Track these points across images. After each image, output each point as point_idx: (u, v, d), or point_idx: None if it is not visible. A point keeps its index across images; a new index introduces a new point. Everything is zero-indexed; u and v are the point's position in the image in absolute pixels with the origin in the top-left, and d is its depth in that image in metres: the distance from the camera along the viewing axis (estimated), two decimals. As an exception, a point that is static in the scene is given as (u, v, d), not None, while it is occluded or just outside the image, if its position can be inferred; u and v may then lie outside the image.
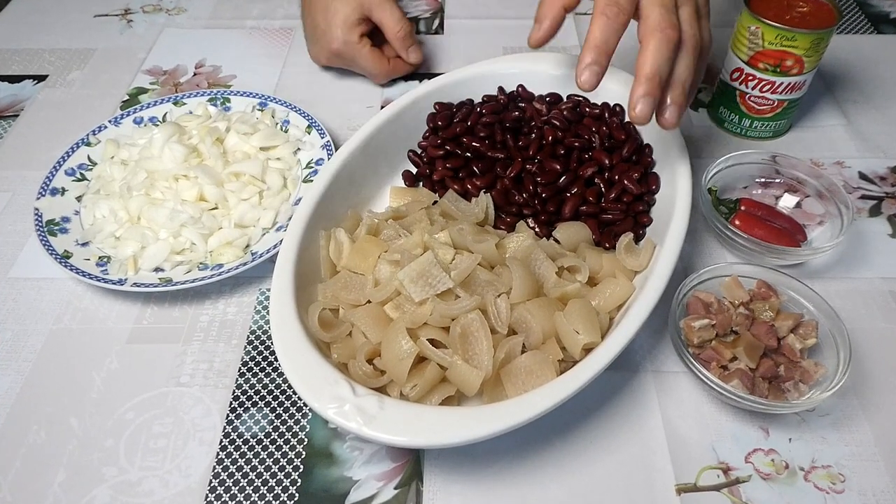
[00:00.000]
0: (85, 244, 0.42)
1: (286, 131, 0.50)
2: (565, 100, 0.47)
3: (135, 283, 0.39)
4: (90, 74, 0.59)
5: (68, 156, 0.47)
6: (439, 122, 0.45)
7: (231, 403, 0.37)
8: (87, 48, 0.62)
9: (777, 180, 0.46)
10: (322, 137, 0.48)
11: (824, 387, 0.34)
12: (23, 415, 0.36)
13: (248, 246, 0.43)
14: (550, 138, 0.44)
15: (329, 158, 0.44)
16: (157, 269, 0.41)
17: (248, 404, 0.37)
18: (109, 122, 0.49)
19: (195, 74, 0.59)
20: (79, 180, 0.46)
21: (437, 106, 0.46)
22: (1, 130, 0.54)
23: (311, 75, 0.58)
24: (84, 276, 0.39)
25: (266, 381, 0.38)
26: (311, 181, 0.44)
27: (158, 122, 0.50)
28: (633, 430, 0.35)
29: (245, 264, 0.40)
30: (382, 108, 0.47)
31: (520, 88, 0.48)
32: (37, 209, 0.43)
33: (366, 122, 0.44)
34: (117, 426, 0.36)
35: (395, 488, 0.33)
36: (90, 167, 0.47)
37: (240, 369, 0.38)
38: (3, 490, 0.33)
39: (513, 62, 0.49)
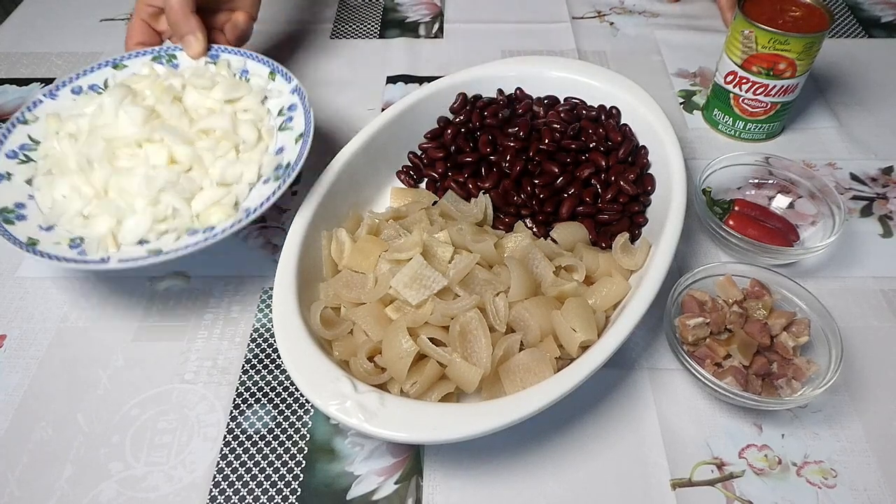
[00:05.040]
0: (49, 228, 0.38)
1: (248, 81, 0.46)
2: (563, 102, 0.48)
3: (120, 260, 0.36)
4: (95, 78, 0.60)
5: (5, 137, 0.42)
6: (445, 124, 0.46)
7: (234, 400, 0.37)
8: (93, 52, 0.62)
9: (770, 181, 0.47)
10: (289, 82, 0.45)
11: (816, 384, 0.35)
12: (30, 411, 0.37)
13: (236, 204, 0.40)
14: (548, 140, 0.44)
15: (302, 102, 0.43)
16: (142, 242, 0.38)
17: (251, 401, 0.37)
18: (44, 95, 0.44)
19: (198, 78, 0.60)
20: (24, 162, 0.41)
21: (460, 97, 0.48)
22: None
23: (312, 76, 0.59)
24: (60, 260, 0.36)
25: (269, 377, 0.38)
26: (288, 128, 0.42)
27: (101, 90, 0.45)
28: (629, 426, 0.36)
29: (240, 221, 0.37)
30: (383, 110, 0.47)
31: (518, 91, 0.49)
32: None
33: (367, 124, 0.45)
34: (123, 422, 0.36)
35: (396, 483, 0.34)
36: (34, 147, 0.42)
37: (243, 366, 0.39)
38: (11, 485, 0.34)
39: (511, 65, 0.50)
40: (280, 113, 0.44)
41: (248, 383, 0.38)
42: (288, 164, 0.40)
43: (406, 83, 0.58)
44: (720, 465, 0.34)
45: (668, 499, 0.33)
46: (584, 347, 0.34)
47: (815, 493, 0.33)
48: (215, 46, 0.47)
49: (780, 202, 0.46)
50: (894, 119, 0.54)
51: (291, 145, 0.41)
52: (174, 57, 0.47)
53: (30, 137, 0.43)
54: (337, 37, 0.64)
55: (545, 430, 0.35)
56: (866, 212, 0.47)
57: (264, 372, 0.39)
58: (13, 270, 0.44)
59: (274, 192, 0.38)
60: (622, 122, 0.46)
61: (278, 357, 0.39)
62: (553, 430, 0.36)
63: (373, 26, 0.65)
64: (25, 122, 0.43)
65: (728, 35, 0.49)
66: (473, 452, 0.35)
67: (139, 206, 0.38)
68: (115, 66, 0.46)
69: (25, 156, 0.42)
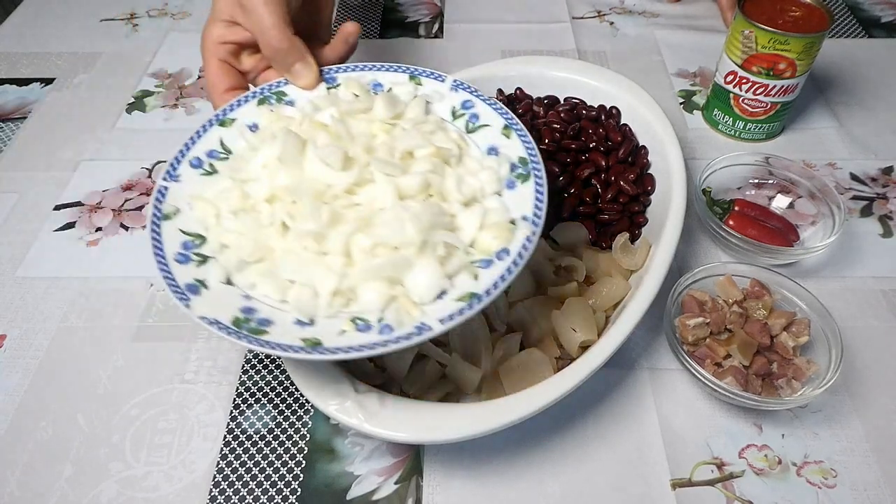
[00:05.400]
0: (312, 322, 0.29)
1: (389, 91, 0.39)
2: (563, 102, 0.48)
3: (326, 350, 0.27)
4: (97, 77, 0.60)
5: (159, 247, 0.31)
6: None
7: (235, 400, 0.37)
8: (93, 52, 0.63)
9: (770, 181, 0.47)
10: (442, 81, 0.38)
11: (816, 384, 0.35)
12: (30, 411, 0.37)
13: (512, 221, 0.31)
14: (548, 140, 0.44)
15: (476, 96, 0.37)
16: (442, 294, 0.29)
17: (251, 401, 0.37)
18: (165, 180, 0.34)
19: (200, 77, 0.60)
20: (201, 262, 0.31)
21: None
22: (9, 132, 0.54)
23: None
24: (387, 343, 0.27)
25: (269, 378, 0.38)
26: (479, 127, 0.36)
27: (222, 154, 0.36)
28: (629, 426, 0.36)
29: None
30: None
31: (518, 91, 0.49)
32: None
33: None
34: (123, 422, 0.36)
35: (396, 483, 0.34)
36: (197, 242, 0.32)
37: (243, 366, 0.39)
38: (11, 485, 0.34)
39: (511, 65, 0.50)
40: (454, 115, 0.38)
41: (248, 383, 0.38)
42: (523, 159, 0.34)
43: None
44: (720, 465, 0.34)
45: (668, 499, 0.33)
46: (584, 347, 0.34)
47: (815, 493, 0.33)
48: (324, 69, 0.39)
49: (780, 202, 0.46)
50: (894, 119, 0.54)
51: (503, 141, 0.35)
52: (283, 94, 0.39)
53: (183, 232, 0.32)
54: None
55: (545, 430, 0.35)
56: (866, 212, 0.47)
57: (264, 372, 0.39)
58: (13, 270, 0.44)
59: (538, 206, 0.31)
60: (622, 122, 0.46)
61: (279, 357, 0.39)
62: (553, 430, 0.36)
63: (373, 26, 0.65)
64: (167, 218, 0.32)
65: (728, 35, 0.49)
66: (473, 452, 0.35)
67: (411, 256, 0.29)
68: (222, 124, 0.37)
69: (197, 254, 0.32)
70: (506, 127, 0.35)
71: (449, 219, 0.31)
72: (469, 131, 0.37)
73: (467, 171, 0.34)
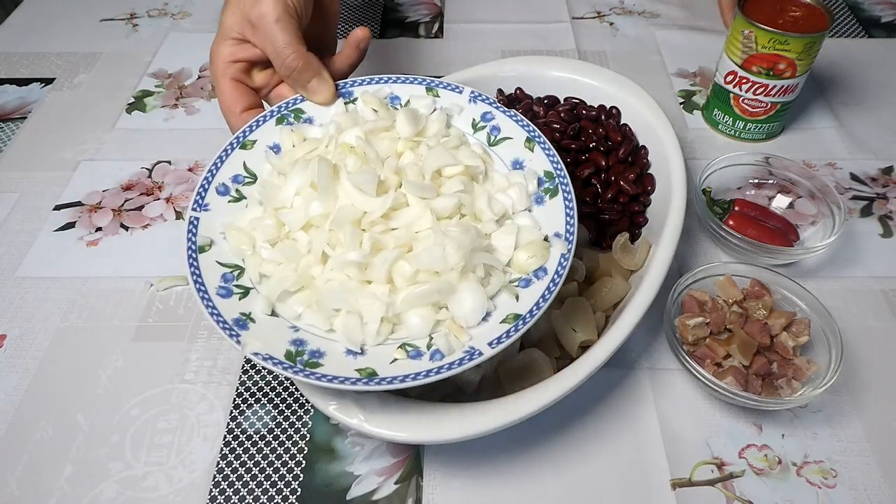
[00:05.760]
0: (363, 352, 0.29)
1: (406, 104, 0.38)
2: (563, 102, 0.48)
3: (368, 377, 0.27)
4: (97, 77, 0.60)
5: (198, 279, 0.31)
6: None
7: (234, 400, 0.37)
8: (93, 52, 0.63)
9: (770, 181, 0.47)
10: (460, 93, 0.38)
11: (816, 384, 0.35)
12: (30, 411, 0.37)
13: (546, 238, 0.32)
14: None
15: (493, 105, 0.36)
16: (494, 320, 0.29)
17: (251, 401, 0.37)
18: (194, 210, 0.33)
19: (199, 77, 0.60)
20: (243, 294, 0.31)
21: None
22: (9, 132, 0.54)
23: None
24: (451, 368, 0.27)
25: (269, 377, 0.38)
26: (502, 140, 0.35)
27: (245, 178, 0.35)
28: (629, 426, 0.36)
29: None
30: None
31: (518, 91, 0.49)
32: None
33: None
34: (123, 422, 0.36)
35: (396, 483, 0.34)
36: (233, 270, 0.32)
37: (243, 366, 0.39)
38: (12, 485, 0.34)
39: (511, 65, 0.50)
40: (475, 127, 0.37)
41: (248, 383, 0.38)
42: (549, 173, 0.34)
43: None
44: (720, 465, 0.34)
45: (668, 499, 0.33)
46: (584, 347, 0.34)
47: (815, 493, 0.33)
48: (340, 84, 0.39)
49: (780, 202, 0.46)
50: (894, 119, 0.54)
51: (527, 155, 0.35)
52: (301, 111, 0.38)
53: (220, 264, 0.32)
54: (336, 36, 0.64)
55: (545, 429, 0.35)
56: (866, 212, 0.47)
57: (264, 372, 0.39)
58: (13, 270, 0.44)
59: (569, 221, 0.31)
60: (622, 122, 0.46)
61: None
62: (553, 429, 0.36)
63: (373, 26, 0.65)
64: (203, 251, 0.32)
65: (728, 35, 0.49)
66: (474, 452, 0.35)
67: (454, 280, 0.29)
68: (244, 147, 0.36)
69: (238, 287, 0.31)
70: (528, 140, 0.35)
71: (486, 240, 0.31)
72: (491, 144, 0.37)
73: (496, 188, 0.34)
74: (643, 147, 0.45)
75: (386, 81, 0.39)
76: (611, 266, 0.38)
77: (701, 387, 0.37)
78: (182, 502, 0.33)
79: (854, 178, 0.50)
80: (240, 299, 0.31)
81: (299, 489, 0.34)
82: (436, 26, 0.65)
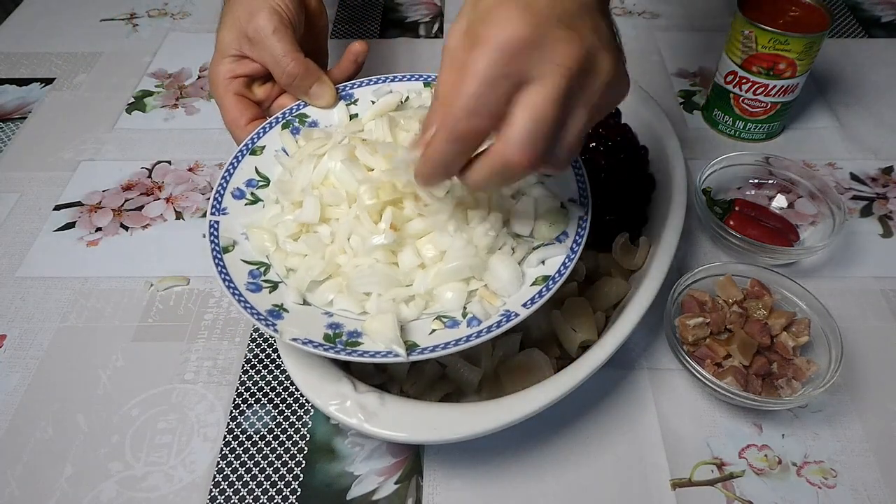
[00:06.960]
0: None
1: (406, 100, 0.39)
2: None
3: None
4: (97, 77, 0.60)
5: (227, 279, 0.31)
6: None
7: (234, 400, 0.37)
8: (93, 52, 0.63)
9: (770, 181, 0.47)
10: None
11: (816, 384, 0.35)
12: (30, 411, 0.37)
13: (562, 205, 0.33)
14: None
15: None
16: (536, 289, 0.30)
17: (251, 401, 0.37)
18: (213, 214, 0.34)
19: (199, 77, 0.60)
20: (273, 288, 0.32)
21: None
22: (9, 132, 0.55)
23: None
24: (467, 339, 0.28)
25: (269, 377, 0.38)
26: None
27: (258, 182, 0.36)
28: (629, 426, 0.36)
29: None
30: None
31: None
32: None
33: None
34: (123, 422, 0.36)
35: (396, 483, 0.34)
36: (260, 266, 0.33)
37: (243, 366, 0.39)
38: (12, 485, 0.34)
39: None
40: None
41: (248, 383, 0.38)
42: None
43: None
44: (720, 465, 0.34)
45: (668, 499, 0.33)
46: (584, 347, 0.34)
47: (815, 493, 0.33)
48: (340, 87, 0.40)
49: (780, 202, 0.46)
50: (894, 119, 0.54)
51: None
52: (305, 116, 0.39)
53: (246, 262, 0.33)
54: (337, 37, 0.64)
55: (545, 429, 0.35)
56: (866, 212, 0.47)
57: (264, 372, 0.39)
58: (13, 270, 0.44)
59: (581, 186, 0.32)
60: (622, 122, 0.46)
61: (278, 357, 0.39)
62: (553, 429, 0.36)
63: (373, 26, 0.65)
64: (227, 251, 0.33)
65: (728, 35, 0.49)
66: (474, 452, 0.35)
67: (483, 256, 0.30)
68: (253, 153, 0.37)
69: (266, 281, 0.32)
70: None
71: (506, 214, 0.32)
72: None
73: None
74: (643, 147, 0.45)
75: (385, 81, 0.40)
76: (611, 266, 0.38)
77: (701, 387, 0.37)
78: (182, 502, 0.33)
79: (854, 178, 0.50)
80: (270, 293, 0.31)
81: (299, 489, 0.34)
82: (436, 26, 0.65)
